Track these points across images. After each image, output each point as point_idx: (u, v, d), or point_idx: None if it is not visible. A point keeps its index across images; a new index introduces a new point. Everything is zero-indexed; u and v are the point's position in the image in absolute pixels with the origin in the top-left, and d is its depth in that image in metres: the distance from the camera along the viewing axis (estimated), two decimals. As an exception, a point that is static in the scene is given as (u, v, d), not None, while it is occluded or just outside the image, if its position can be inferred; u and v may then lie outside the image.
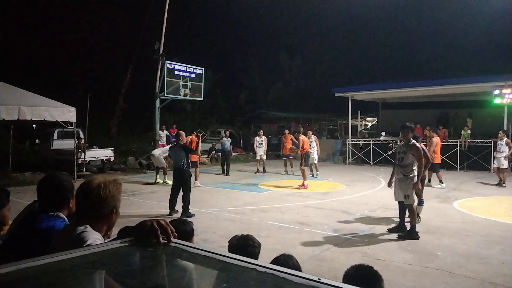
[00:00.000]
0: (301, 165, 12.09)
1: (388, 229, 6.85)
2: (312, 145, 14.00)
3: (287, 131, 16.87)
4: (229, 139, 15.82)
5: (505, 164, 11.91)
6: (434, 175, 11.77)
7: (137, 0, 25.60)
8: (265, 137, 16.21)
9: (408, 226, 6.59)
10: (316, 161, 14.34)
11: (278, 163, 17.15)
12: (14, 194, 8.07)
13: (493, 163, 12.66)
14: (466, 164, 16.20)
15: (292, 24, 39.04)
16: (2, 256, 2.01)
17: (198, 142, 9.72)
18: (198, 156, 12.29)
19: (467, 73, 19.31)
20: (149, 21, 17.36)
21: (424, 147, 7.54)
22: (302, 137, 12.60)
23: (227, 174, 15.04)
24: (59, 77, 29.16)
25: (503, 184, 11.79)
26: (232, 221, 7.64)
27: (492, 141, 14.45)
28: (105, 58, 29.63)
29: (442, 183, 11.61)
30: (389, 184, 7.05)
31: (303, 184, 11.67)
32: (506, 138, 12.04)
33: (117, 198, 1.80)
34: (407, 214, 6.69)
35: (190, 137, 12.77)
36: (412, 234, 6.37)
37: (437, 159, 11.34)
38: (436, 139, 11.28)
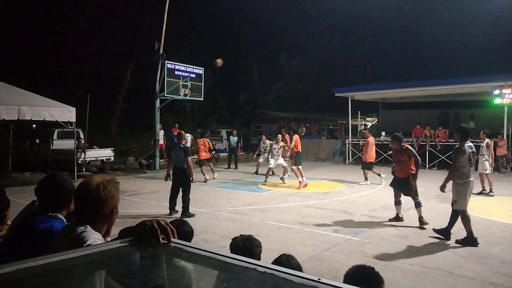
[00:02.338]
0: (292, 164, 12.00)
1: (456, 240, 6.18)
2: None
3: (280, 135, 13.91)
4: (235, 137, 17.61)
5: (488, 168, 10.54)
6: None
7: (137, 0, 25.60)
8: (270, 142, 14.44)
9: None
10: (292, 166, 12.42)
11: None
12: (14, 194, 8.08)
13: (478, 168, 10.28)
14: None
15: (292, 24, 39.10)
16: (0, 256, 2.01)
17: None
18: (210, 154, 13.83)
19: (467, 73, 19.27)
20: (149, 21, 17.38)
21: (410, 147, 7.57)
22: (295, 136, 12.38)
23: (236, 168, 16.95)
24: (59, 77, 29.18)
25: (491, 193, 10.45)
26: (232, 221, 7.64)
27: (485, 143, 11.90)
28: (105, 58, 29.69)
29: (367, 180, 12.38)
30: (441, 188, 6.72)
31: (300, 183, 11.61)
32: (487, 140, 10.63)
33: (116, 198, 1.80)
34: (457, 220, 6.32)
35: (201, 139, 13.84)
36: (471, 241, 5.97)
37: (372, 158, 12.52)
38: (371, 140, 12.44)
